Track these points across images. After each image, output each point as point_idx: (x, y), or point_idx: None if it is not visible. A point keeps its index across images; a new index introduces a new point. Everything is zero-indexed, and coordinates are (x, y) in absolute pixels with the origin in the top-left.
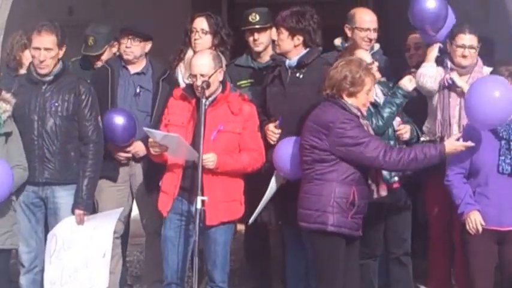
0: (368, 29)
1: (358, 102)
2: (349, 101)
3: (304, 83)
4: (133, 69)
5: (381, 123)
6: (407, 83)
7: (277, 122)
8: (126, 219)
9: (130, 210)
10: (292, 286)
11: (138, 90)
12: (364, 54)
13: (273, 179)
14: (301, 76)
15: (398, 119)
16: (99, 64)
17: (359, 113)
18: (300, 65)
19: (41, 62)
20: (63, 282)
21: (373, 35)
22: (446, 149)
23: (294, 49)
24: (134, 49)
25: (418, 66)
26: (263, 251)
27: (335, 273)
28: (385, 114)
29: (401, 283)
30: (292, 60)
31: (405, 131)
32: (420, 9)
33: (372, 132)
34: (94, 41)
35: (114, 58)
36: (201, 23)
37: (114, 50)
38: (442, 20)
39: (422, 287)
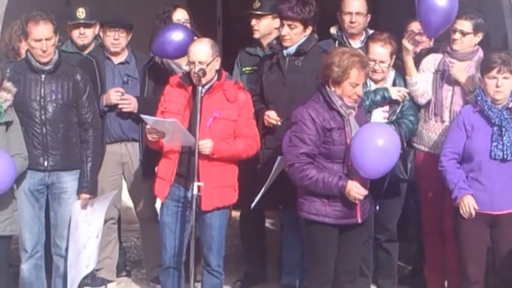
0: (350, 13)
1: (342, 93)
2: (332, 88)
3: (303, 71)
4: (117, 59)
5: None
6: (394, 93)
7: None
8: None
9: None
10: (288, 270)
11: (125, 79)
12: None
13: (276, 164)
14: (299, 64)
15: (386, 115)
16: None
17: (339, 102)
18: (299, 52)
19: (44, 51)
20: (75, 264)
21: (356, 18)
22: (345, 190)
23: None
24: (121, 41)
25: (421, 53)
26: (258, 236)
27: (319, 258)
28: None
29: (384, 269)
30: (291, 48)
31: None
32: None
33: (352, 126)
34: (84, 12)
35: (96, 49)
36: (184, 14)
37: (96, 30)
38: None
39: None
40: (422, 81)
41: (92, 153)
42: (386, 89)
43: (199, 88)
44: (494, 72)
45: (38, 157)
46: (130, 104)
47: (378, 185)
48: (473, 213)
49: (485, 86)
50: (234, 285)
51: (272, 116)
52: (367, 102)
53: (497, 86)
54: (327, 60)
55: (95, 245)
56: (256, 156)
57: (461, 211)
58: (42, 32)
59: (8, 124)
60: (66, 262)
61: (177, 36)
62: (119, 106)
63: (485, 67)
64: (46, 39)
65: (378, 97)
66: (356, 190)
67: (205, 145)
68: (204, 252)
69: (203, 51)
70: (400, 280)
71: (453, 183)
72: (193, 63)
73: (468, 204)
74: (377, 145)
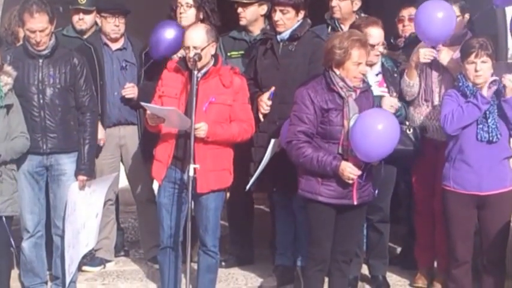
0: None
1: (347, 74)
2: (337, 71)
3: (296, 55)
4: (114, 45)
5: None
6: (387, 106)
7: (270, 94)
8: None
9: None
10: (281, 251)
11: (124, 64)
12: (373, 32)
13: (270, 146)
14: (293, 49)
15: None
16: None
17: (340, 83)
18: (292, 37)
19: (38, 42)
20: (73, 244)
21: (336, 2)
22: (339, 169)
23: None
24: (121, 27)
25: (410, 37)
26: (246, 218)
27: (314, 237)
28: None
29: (375, 249)
30: (284, 33)
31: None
32: None
33: (350, 108)
34: None
35: (94, 36)
36: None
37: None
38: None
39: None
40: (417, 85)
41: (89, 136)
42: (379, 98)
43: (195, 73)
44: (472, 57)
45: (36, 140)
46: (134, 91)
47: (376, 171)
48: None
49: (465, 71)
50: (220, 264)
51: (264, 100)
52: None
53: (476, 71)
54: (327, 45)
55: (95, 224)
56: (251, 139)
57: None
58: (36, 24)
59: (8, 107)
60: (63, 242)
61: (169, 34)
62: (123, 93)
63: (464, 52)
64: (40, 31)
65: None
66: (349, 170)
67: (201, 128)
68: (200, 233)
69: (198, 36)
70: (390, 261)
71: (461, 108)
72: (188, 48)
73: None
74: (379, 130)
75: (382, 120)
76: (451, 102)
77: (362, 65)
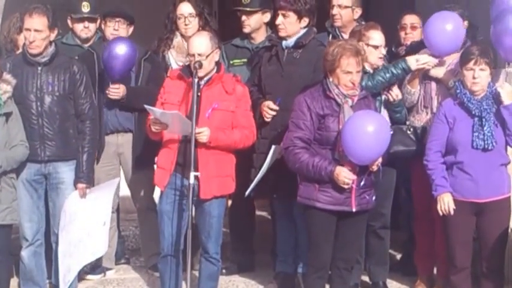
0: (333, 6)
1: (339, 82)
2: (330, 79)
3: (301, 63)
4: None
5: (369, 83)
6: (413, 62)
7: (277, 101)
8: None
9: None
10: (282, 258)
11: None
12: (375, 35)
13: (270, 153)
14: (297, 56)
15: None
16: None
17: (335, 90)
18: (297, 45)
19: (31, 42)
20: (71, 252)
21: (337, 11)
22: (334, 173)
23: (298, 31)
24: (121, 32)
25: (411, 45)
26: (248, 225)
27: (313, 243)
28: (376, 77)
29: (376, 255)
30: (290, 40)
31: (396, 93)
32: None
33: (345, 113)
34: (89, 6)
35: (97, 43)
36: (187, 8)
37: (98, 24)
38: None
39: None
40: (417, 93)
41: (88, 144)
42: (403, 60)
43: (195, 80)
44: (471, 64)
45: (35, 148)
46: (118, 92)
47: (375, 176)
48: (452, 212)
49: (463, 77)
50: (221, 271)
51: (270, 106)
52: (387, 76)
53: (473, 78)
54: (324, 52)
55: (103, 232)
56: (252, 146)
57: (438, 208)
58: (32, 23)
59: (7, 115)
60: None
61: (120, 50)
62: (107, 92)
63: (463, 58)
64: (35, 31)
65: (397, 69)
66: (344, 174)
67: (203, 133)
68: (202, 240)
69: (202, 43)
70: (390, 267)
71: (432, 179)
72: (193, 55)
73: (448, 203)
74: (367, 131)
75: (372, 122)
76: (438, 128)
77: (353, 74)
